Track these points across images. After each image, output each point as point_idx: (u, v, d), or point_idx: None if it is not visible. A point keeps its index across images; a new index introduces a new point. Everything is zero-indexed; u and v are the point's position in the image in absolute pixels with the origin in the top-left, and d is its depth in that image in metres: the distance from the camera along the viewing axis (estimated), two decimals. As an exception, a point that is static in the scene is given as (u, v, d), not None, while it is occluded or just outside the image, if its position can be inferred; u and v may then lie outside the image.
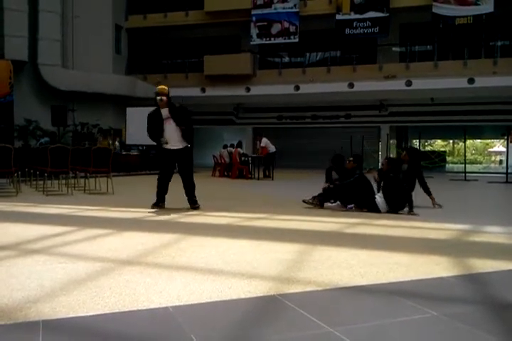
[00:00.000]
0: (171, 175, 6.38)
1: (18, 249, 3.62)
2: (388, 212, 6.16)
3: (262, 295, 2.51)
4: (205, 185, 7.52)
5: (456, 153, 44.68)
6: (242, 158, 14.42)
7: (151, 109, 6.41)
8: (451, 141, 44.72)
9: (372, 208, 6.28)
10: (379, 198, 6.29)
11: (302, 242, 4.02)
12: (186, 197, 6.36)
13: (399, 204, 6.25)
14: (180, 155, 6.30)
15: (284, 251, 3.63)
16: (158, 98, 6.20)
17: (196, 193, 6.37)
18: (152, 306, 2.30)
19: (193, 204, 6.31)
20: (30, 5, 17.65)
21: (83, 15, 19.07)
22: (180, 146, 6.30)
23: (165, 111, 6.26)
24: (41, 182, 8.57)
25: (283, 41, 20.47)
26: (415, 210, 6.13)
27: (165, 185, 6.34)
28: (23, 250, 3.57)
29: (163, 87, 6.38)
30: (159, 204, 6.31)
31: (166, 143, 6.27)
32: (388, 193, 6.23)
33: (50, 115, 16.86)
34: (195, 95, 20.34)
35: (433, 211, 6.66)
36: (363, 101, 20.32)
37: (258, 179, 13.52)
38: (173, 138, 6.26)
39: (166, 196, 6.37)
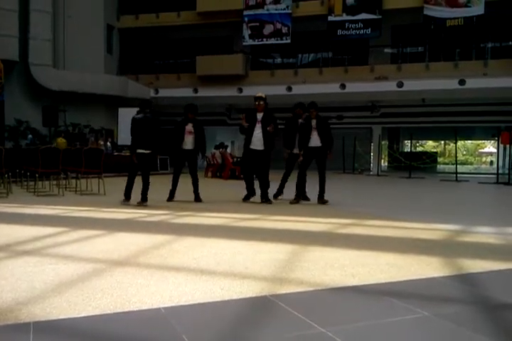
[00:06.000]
0: (252, 171, 7.52)
1: (8, 250, 3.59)
2: None
3: (254, 295, 2.51)
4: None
5: (447, 153, 45.02)
6: (235, 159, 14.42)
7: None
8: (442, 142, 45.06)
9: None
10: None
11: (294, 243, 4.02)
12: (260, 194, 7.28)
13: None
14: (261, 156, 7.21)
15: (276, 252, 3.63)
16: (256, 102, 7.21)
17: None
18: (144, 307, 2.29)
19: (265, 199, 7.22)
20: (21, 4, 17.51)
21: (75, 15, 18.95)
22: (262, 148, 7.19)
23: (260, 115, 7.23)
24: (32, 183, 8.52)
25: (275, 42, 20.46)
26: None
27: (251, 179, 7.40)
28: (13, 251, 3.54)
29: (262, 94, 7.46)
30: (250, 198, 7.35)
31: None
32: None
33: (41, 115, 16.75)
34: (187, 95, 20.28)
35: (425, 210, 6.69)
36: (354, 102, 20.36)
37: (250, 180, 13.47)
38: (258, 140, 7.17)
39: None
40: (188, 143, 7.39)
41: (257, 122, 7.21)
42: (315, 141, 7.33)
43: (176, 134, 7.43)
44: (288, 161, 7.81)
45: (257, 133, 7.19)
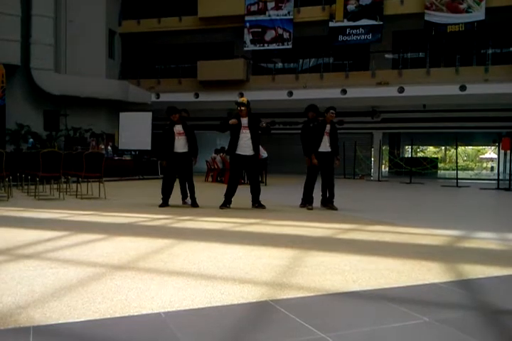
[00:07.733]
0: (239, 178, 7.30)
1: (8, 253, 3.59)
2: None
3: (254, 300, 2.50)
4: (198, 190, 7.55)
5: (448, 159, 45.01)
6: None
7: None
8: (443, 148, 45.08)
9: None
10: None
11: (295, 248, 4.02)
12: (251, 198, 7.26)
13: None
14: (251, 161, 7.08)
15: (276, 257, 3.62)
16: (239, 108, 7.02)
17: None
18: (144, 312, 2.28)
19: (258, 204, 7.18)
20: (23, 9, 17.62)
21: (77, 20, 19.06)
22: (252, 153, 7.06)
23: (244, 120, 7.06)
24: (33, 187, 8.52)
25: (276, 47, 20.54)
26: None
27: (235, 188, 7.14)
28: (13, 255, 3.54)
29: (244, 99, 7.35)
30: (227, 205, 7.10)
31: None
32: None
33: (43, 119, 16.80)
34: (188, 100, 20.33)
35: (426, 216, 6.68)
36: (355, 108, 20.41)
37: (251, 184, 13.47)
38: (247, 146, 7.01)
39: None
40: (180, 145, 7.26)
41: (242, 128, 7.03)
42: (325, 146, 7.21)
43: (165, 137, 7.31)
44: (311, 166, 7.30)
45: (245, 139, 7.02)
